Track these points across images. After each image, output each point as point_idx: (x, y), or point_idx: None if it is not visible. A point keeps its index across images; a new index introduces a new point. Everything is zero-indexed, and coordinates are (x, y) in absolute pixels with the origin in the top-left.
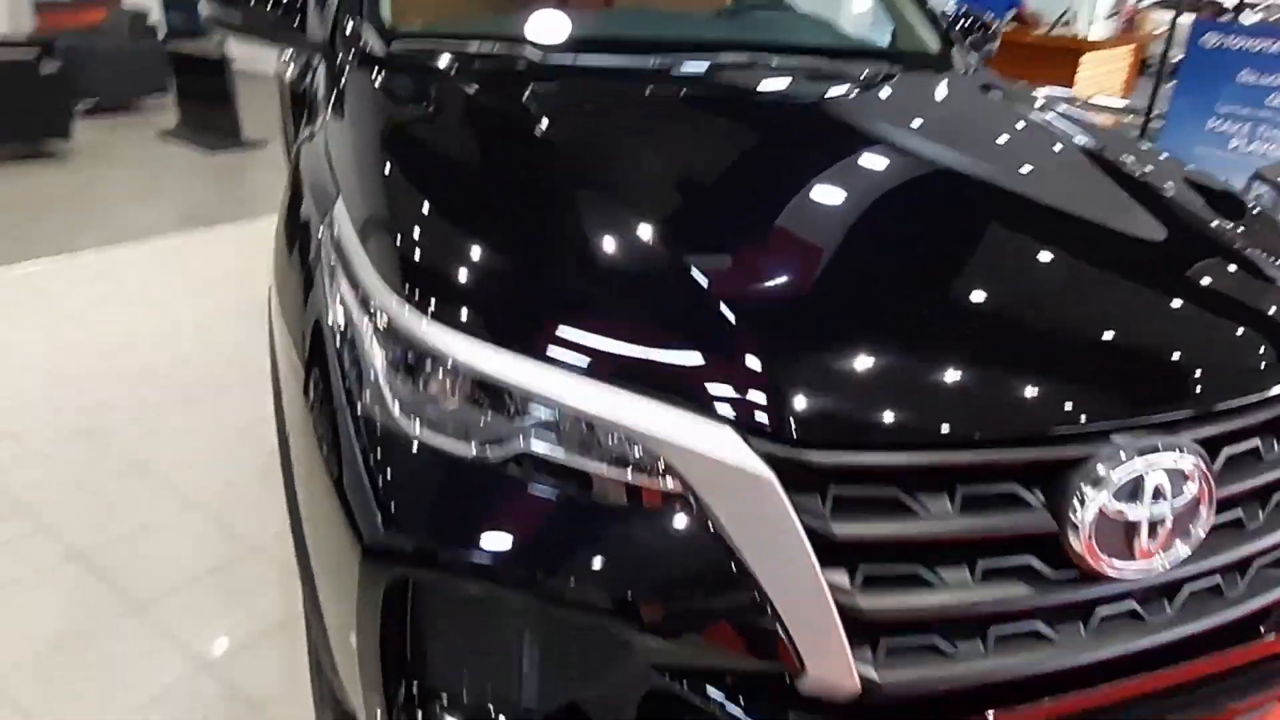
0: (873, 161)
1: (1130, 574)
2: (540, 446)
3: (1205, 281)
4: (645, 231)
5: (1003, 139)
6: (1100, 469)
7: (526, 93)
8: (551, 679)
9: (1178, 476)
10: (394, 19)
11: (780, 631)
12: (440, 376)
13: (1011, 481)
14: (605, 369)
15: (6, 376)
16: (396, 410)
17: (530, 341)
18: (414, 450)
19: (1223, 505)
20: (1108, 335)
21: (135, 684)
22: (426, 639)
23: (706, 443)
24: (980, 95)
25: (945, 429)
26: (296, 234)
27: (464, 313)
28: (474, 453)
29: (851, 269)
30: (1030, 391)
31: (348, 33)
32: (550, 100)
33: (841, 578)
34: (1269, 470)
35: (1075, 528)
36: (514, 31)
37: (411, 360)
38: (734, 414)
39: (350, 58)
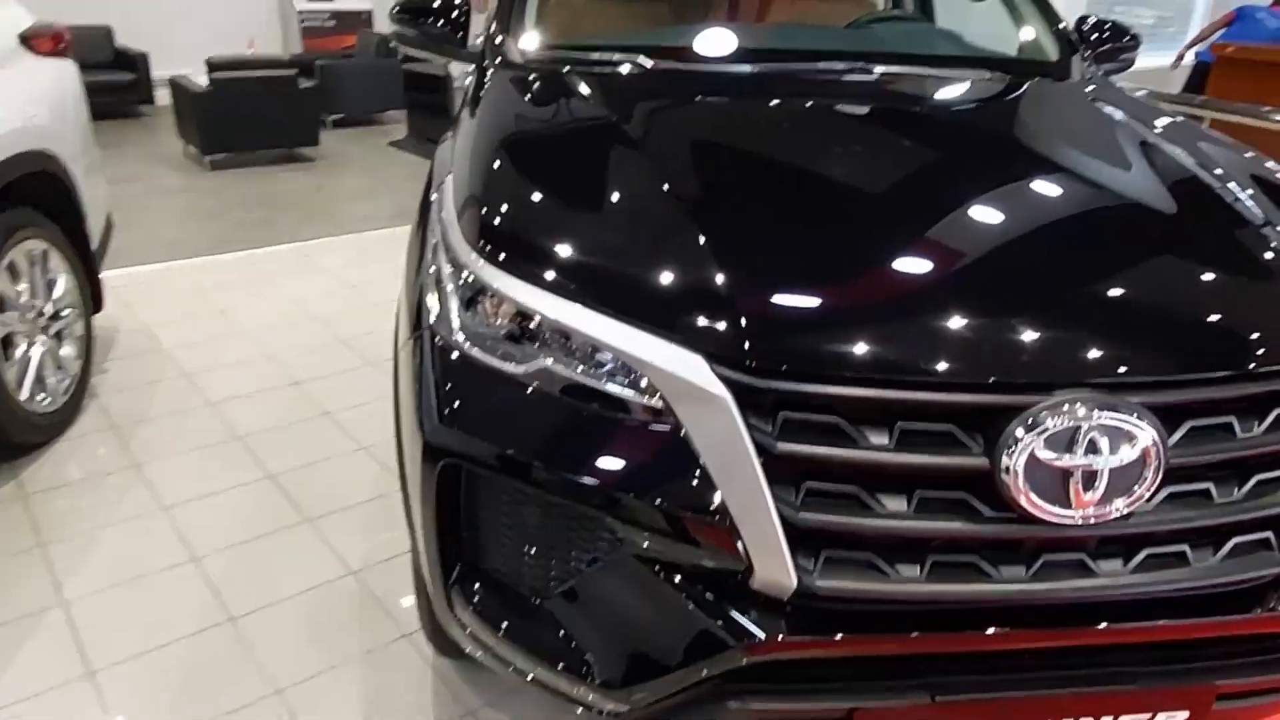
0: (884, 139)
1: (1065, 521)
2: (556, 364)
3: (1203, 262)
4: (659, 202)
5: (1050, 128)
6: (1035, 418)
7: (613, 91)
8: (557, 563)
9: (1118, 435)
10: (537, 35)
11: (733, 532)
12: (491, 307)
13: (950, 422)
14: (609, 305)
15: (238, 340)
16: (460, 336)
17: (557, 282)
18: (467, 365)
19: (1187, 474)
20: (1072, 295)
21: (296, 578)
22: (470, 522)
23: (681, 367)
24: (1061, 96)
25: (885, 370)
26: (422, 213)
27: (513, 260)
28: (507, 367)
29: (824, 226)
30: (977, 341)
31: (496, 46)
32: (625, 96)
33: (786, 491)
34: (1245, 447)
35: (1007, 470)
36: (628, 43)
37: (474, 296)
38: (705, 344)
39: (493, 66)
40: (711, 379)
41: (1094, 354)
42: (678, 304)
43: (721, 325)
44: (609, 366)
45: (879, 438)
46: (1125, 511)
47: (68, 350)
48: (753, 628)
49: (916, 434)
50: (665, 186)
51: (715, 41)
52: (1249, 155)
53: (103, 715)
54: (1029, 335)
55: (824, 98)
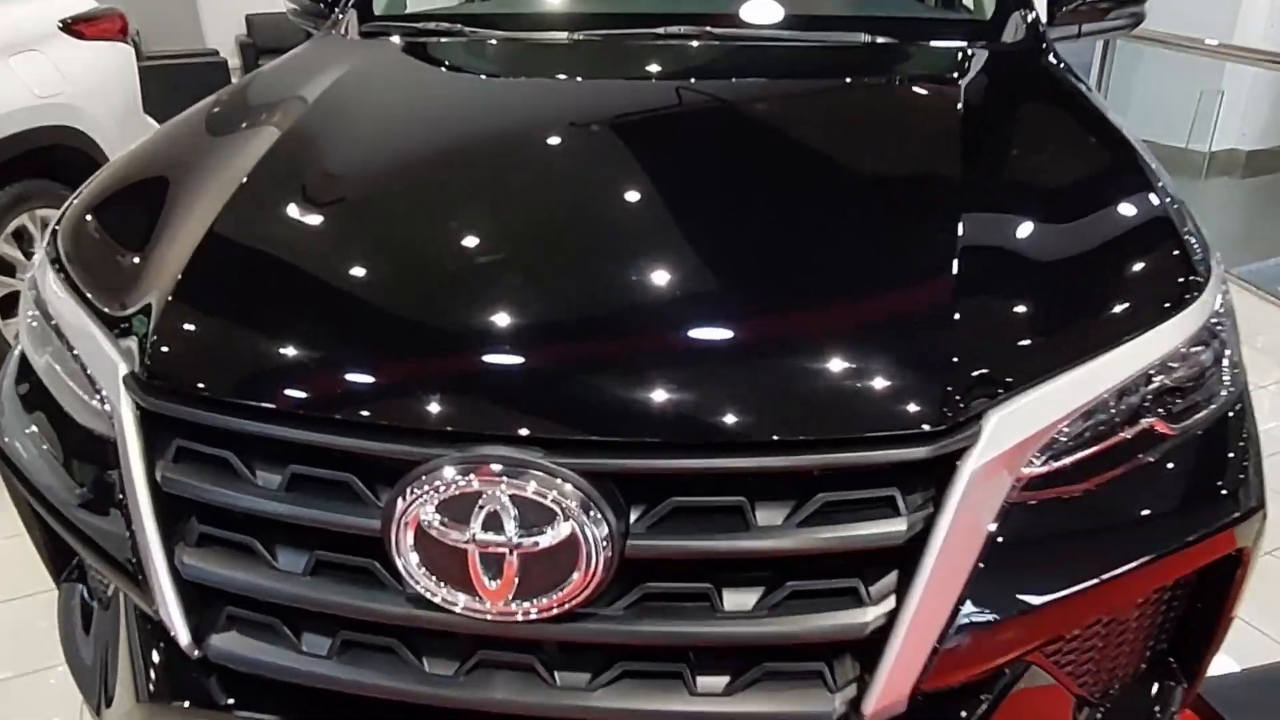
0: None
1: (466, 611)
2: (54, 363)
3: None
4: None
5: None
6: (423, 477)
7: (356, 67)
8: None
9: (533, 508)
10: (380, 9)
11: (139, 573)
12: None
13: (348, 471)
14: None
15: None
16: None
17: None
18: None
19: (674, 570)
20: (559, 329)
21: None
22: None
23: (108, 374)
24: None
25: (279, 399)
26: None
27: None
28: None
29: (331, 226)
30: (395, 376)
31: (340, 17)
32: (359, 70)
33: (178, 533)
34: (765, 542)
35: (394, 540)
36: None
37: None
38: (125, 351)
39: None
40: (120, 391)
41: (526, 401)
42: (122, 301)
43: (136, 330)
44: (81, 372)
45: (272, 481)
46: (557, 612)
47: None
48: (148, 684)
49: (311, 480)
50: (246, 161)
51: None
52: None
53: None
54: (463, 371)
55: (600, 73)
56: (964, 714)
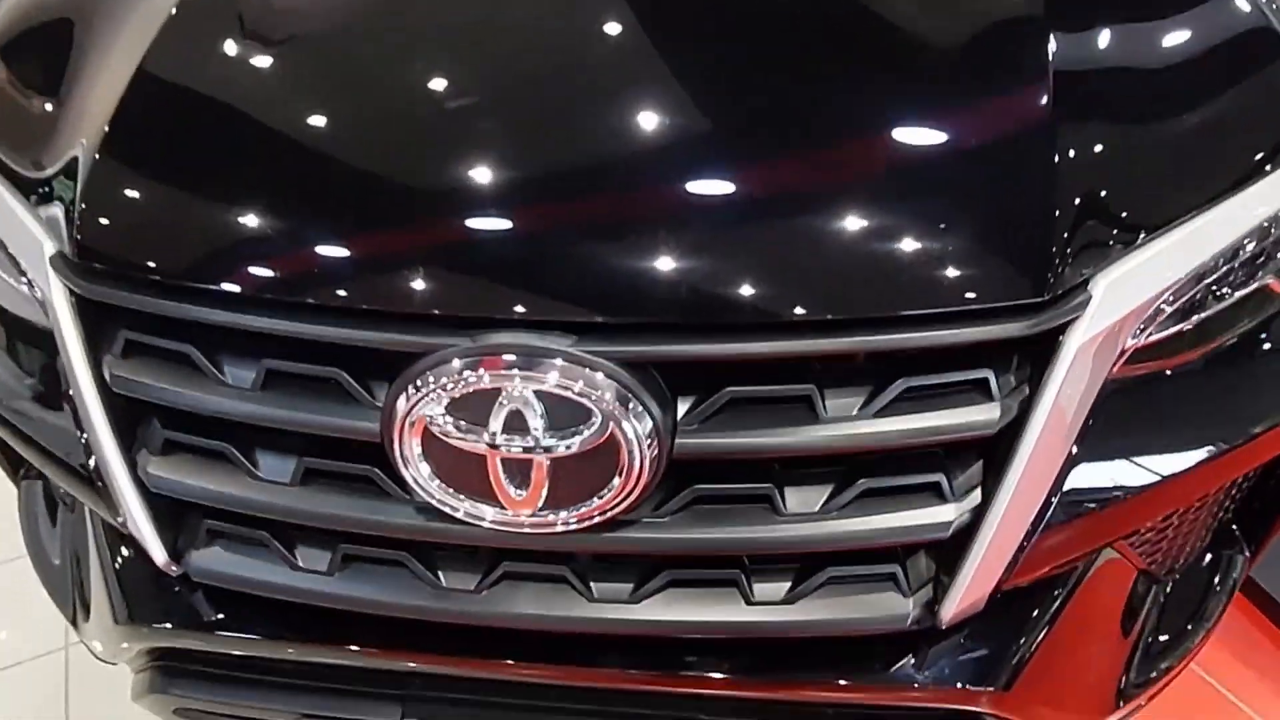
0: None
1: (494, 524)
2: None
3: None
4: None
5: None
6: (429, 372)
7: None
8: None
9: (566, 404)
10: None
11: (102, 485)
12: None
13: (336, 365)
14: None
15: None
16: None
17: None
18: None
19: (729, 470)
20: (576, 192)
21: None
22: None
23: (37, 254)
24: None
25: (248, 281)
26: None
27: None
28: None
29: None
30: (358, 243)
31: None
32: None
33: (139, 440)
34: (836, 435)
35: (397, 445)
36: None
37: None
38: (53, 225)
39: None
40: (49, 274)
41: (549, 276)
42: (38, 160)
43: (60, 197)
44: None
45: (243, 378)
46: (598, 520)
47: None
48: (125, 604)
49: (292, 377)
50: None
51: None
52: None
53: None
54: (470, 241)
55: None
56: (1042, 607)
